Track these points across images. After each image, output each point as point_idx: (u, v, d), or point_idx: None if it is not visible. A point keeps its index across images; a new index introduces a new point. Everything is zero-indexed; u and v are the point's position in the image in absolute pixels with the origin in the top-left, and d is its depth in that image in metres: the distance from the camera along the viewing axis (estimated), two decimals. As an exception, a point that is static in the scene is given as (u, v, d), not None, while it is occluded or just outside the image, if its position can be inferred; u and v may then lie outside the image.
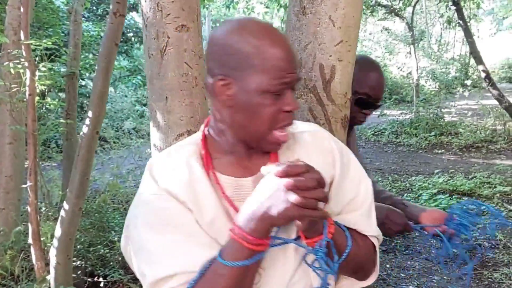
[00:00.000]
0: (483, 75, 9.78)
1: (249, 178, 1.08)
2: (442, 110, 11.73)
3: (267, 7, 11.35)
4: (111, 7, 3.98)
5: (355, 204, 1.14)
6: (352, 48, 1.62)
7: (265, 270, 1.04)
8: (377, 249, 1.20)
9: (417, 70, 12.26)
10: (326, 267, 1.00)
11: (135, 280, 3.93)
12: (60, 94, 6.79)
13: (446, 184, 6.83)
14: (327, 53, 1.59)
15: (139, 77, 12.94)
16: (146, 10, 1.69)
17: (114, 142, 8.02)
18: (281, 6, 10.38)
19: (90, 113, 3.85)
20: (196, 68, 1.74)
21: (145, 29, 1.72)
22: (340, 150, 1.18)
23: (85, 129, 3.81)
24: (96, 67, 3.95)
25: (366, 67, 1.88)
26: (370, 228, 1.16)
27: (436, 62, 19.36)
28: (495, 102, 10.12)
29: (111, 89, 12.44)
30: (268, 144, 1.05)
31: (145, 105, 12.64)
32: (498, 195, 6.28)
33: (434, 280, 4.22)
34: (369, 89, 1.84)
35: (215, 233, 1.01)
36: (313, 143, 1.14)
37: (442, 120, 11.37)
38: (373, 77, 1.87)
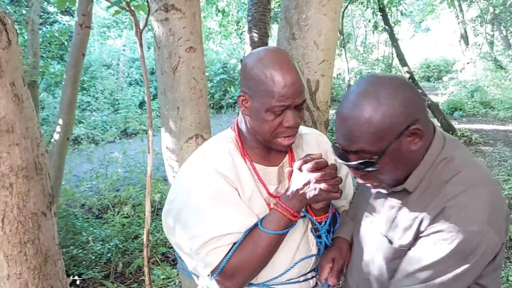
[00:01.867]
0: (407, 76, 10.68)
1: (275, 167, 1.44)
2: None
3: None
4: (76, 19, 4.17)
5: (345, 195, 1.54)
6: (331, 65, 2.03)
7: None
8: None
9: (348, 71, 13.08)
10: (326, 239, 1.44)
11: (107, 277, 4.13)
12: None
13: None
14: (313, 70, 1.99)
15: (76, 82, 12.58)
16: (159, 34, 2.00)
17: (67, 148, 7.94)
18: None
19: (60, 121, 4.01)
20: (201, 82, 2.07)
21: (157, 50, 2.03)
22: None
23: (56, 136, 3.97)
24: (64, 76, 4.11)
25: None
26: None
27: (363, 63, 20.51)
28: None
29: (46, 95, 12.12)
30: (274, 146, 1.37)
31: (83, 110, 12.43)
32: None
33: None
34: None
35: (251, 207, 1.35)
36: (316, 143, 1.52)
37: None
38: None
